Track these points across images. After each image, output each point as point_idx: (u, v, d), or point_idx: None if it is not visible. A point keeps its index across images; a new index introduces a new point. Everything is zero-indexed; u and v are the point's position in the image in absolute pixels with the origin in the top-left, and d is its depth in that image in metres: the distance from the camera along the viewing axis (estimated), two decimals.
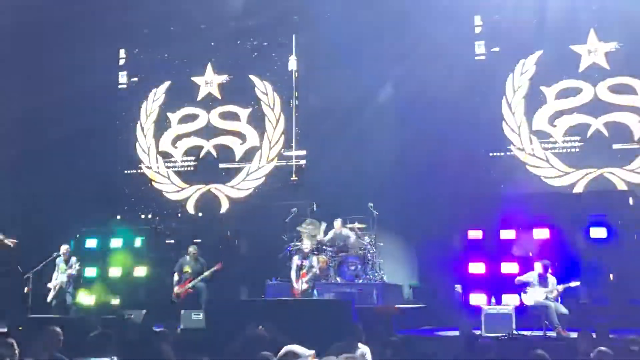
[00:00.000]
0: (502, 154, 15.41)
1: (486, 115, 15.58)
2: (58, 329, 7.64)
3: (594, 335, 8.94)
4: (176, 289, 13.22)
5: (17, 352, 6.42)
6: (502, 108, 15.50)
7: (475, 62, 15.80)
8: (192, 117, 17.50)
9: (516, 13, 15.53)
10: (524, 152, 15.24)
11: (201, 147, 17.34)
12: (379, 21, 16.09)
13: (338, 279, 13.78)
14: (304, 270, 12.53)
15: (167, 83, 17.73)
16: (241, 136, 17.17)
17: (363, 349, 8.00)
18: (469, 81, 15.66)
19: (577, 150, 15.03)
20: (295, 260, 12.88)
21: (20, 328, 10.83)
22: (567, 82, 15.21)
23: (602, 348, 6.91)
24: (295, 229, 14.35)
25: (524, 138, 15.33)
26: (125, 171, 17.66)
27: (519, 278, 11.70)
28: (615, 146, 14.71)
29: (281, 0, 16.69)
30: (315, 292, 12.69)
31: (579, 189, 14.77)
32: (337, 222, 14.13)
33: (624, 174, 14.54)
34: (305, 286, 12.43)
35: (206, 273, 13.15)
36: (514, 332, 10.80)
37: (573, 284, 11.46)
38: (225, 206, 16.99)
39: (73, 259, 13.48)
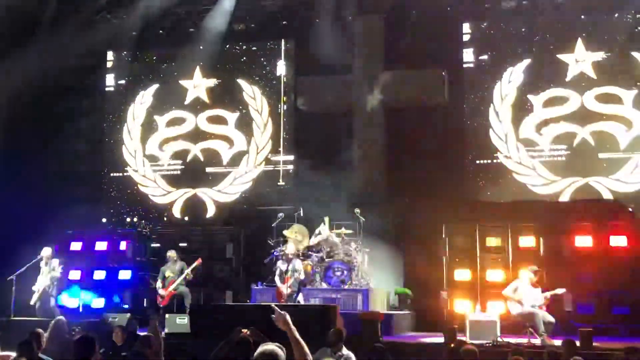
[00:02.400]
0: (489, 161, 15.46)
1: (474, 122, 15.65)
2: (41, 331, 7.60)
3: (578, 343, 8.98)
4: (160, 292, 13.26)
5: None
6: (489, 116, 15.57)
7: (464, 69, 15.87)
8: (180, 121, 17.45)
9: (505, 22, 15.63)
10: (511, 160, 15.30)
11: (188, 151, 17.30)
12: (367, 27, 16.15)
13: (324, 284, 13.76)
14: (288, 275, 12.52)
15: (155, 86, 17.68)
16: (229, 140, 17.14)
17: (347, 354, 8.00)
18: (457, 88, 15.75)
19: (564, 158, 15.11)
20: (279, 265, 12.89)
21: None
22: (555, 90, 15.30)
23: (577, 358, 6.97)
24: (282, 233, 14.33)
25: (511, 146, 15.39)
26: (112, 174, 17.58)
27: (505, 291, 11.65)
28: (601, 155, 14.80)
29: (270, 5, 16.70)
30: (300, 296, 12.67)
31: (565, 197, 14.85)
32: (325, 228, 14.13)
33: (610, 183, 14.63)
34: (289, 290, 12.42)
35: (187, 271, 13.22)
36: (499, 339, 10.81)
37: (559, 290, 11.46)
38: (211, 210, 16.93)
39: (55, 261, 13.39)
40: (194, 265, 13.34)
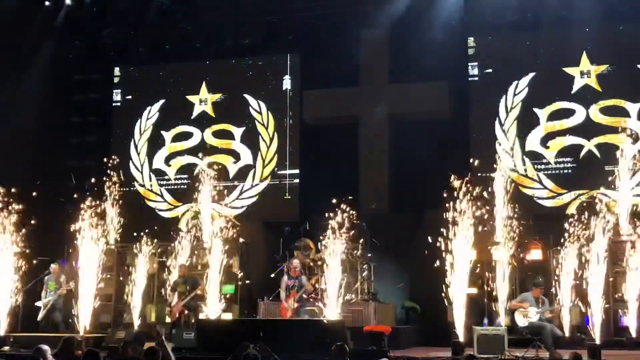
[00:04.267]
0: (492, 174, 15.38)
1: (479, 136, 15.64)
2: (47, 347, 7.60)
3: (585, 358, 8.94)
4: (170, 309, 13.20)
5: None
6: (495, 129, 15.56)
7: (469, 83, 15.90)
8: (186, 136, 17.51)
9: (509, 35, 15.66)
10: (517, 173, 15.27)
11: (195, 165, 17.32)
12: (373, 41, 16.22)
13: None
14: (294, 290, 12.49)
15: (162, 101, 17.76)
16: (235, 155, 17.18)
17: None
18: (463, 102, 15.76)
19: (570, 171, 15.09)
20: (285, 281, 12.86)
21: (5, 348, 10.78)
22: (560, 103, 15.30)
23: None
24: (288, 247, 14.33)
25: (517, 159, 15.37)
26: (119, 189, 17.59)
27: (513, 303, 11.62)
28: (607, 167, 14.75)
29: (276, 19, 16.79)
30: (306, 311, 12.65)
31: (571, 210, 14.79)
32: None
33: (616, 196, 14.55)
34: (295, 305, 12.40)
35: (197, 292, 13.08)
36: (507, 353, 10.77)
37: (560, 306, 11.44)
38: (217, 224, 16.91)
39: (63, 277, 13.38)
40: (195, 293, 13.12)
